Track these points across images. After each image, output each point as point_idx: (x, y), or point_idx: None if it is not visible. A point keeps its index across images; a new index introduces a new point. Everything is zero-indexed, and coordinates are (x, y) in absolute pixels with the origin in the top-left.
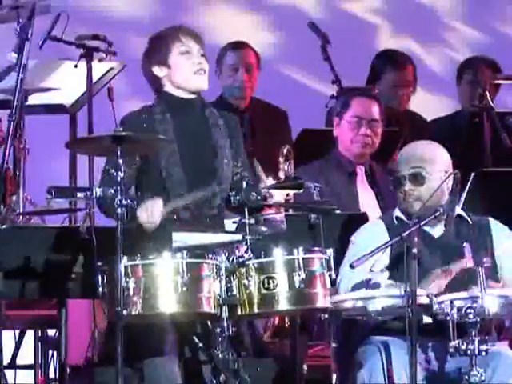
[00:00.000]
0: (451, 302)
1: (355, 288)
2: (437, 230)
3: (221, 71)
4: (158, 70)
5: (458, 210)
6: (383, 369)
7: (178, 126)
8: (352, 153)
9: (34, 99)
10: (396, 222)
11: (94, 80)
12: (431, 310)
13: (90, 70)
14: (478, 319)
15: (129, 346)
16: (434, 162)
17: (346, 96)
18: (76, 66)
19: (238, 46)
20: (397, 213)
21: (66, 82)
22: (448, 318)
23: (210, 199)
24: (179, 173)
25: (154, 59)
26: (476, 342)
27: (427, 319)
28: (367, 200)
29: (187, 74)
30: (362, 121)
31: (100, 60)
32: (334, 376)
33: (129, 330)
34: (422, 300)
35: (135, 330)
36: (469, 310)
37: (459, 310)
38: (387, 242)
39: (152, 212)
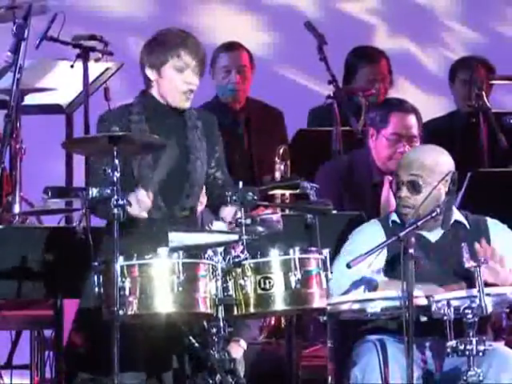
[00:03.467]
0: (448, 301)
1: (347, 287)
2: (434, 235)
3: (214, 72)
4: (149, 72)
5: (457, 216)
6: (380, 367)
7: (153, 127)
8: (387, 168)
9: (30, 99)
10: (392, 225)
11: (91, 80)
12: (430, 311)
13: (86, 70)
14: (476, 319)
15: (99, 355)
16: (434, 171)
17: (385, 110)
18: (72, 66)
19: (231, 48)
20: (393, 217)
21: (62, 82)
22: (445, 317)
23: (182, 200)
24: (150, 174)
25: (149, 61)
26: (474, 342)
27: (423, 317)
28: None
29: (175, 90)
30: (401, 139)
31: (96, 60)
32: (330, 376)
33: (99, 340)
34: (420, 301)
35: (106, 340)
36: (467, 311)
37: (456, 309)
38: (384, 242)
39: (140, 200)
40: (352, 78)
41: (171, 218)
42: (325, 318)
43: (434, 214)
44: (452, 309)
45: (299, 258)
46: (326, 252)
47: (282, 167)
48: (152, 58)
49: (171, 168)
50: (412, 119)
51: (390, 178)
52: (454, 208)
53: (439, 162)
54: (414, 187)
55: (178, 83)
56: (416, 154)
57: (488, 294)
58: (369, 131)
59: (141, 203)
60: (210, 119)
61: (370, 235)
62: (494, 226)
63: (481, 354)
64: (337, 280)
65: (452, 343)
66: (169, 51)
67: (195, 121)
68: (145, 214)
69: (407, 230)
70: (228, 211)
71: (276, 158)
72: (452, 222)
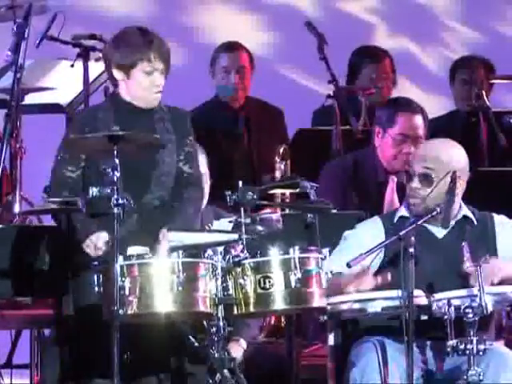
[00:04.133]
0: (449, 300)
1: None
2: (441, 231)
3: (214, 72)
4: (116, 73)
5: (464, 211)
6: (379, 367)
7: (119, 122)
8: (392, 167)
9: (30, 99)
10: (397, 221)
11: (91, 80)
12: (430, 310)
13: (86, 69)
14: (476, 318)
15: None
16: (448, 167)
17: (393, 109)
18: (72, 66)
19: (231, 48)
20: (402, 212)
21: (62, 82)
22: (446, 316)
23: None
24: (94, 174)
25: (116, 62)
26: (474, 342)
27: (424, 316)
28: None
29: (143, 92)
30: (407, 139)
31: (96, 59)
32: (330, 376)
33: (77, 345)
34: (421, 301)
35: (85, 346)
36: (467, 310)
37: (457, 308)
38: (384, 241)
39: (97, 246)
40: (355, 77)
41: (139, 207)
42: (325, 318)
43: (434, 213)
44: (453, 308)
45: (299, 258)
46: (325, 251)
47: (282, 166)
48: (119, 59)
49: (136, 165)
50: (419, 120)
51: (395, 178)
52: (462, 203)
53: (454, 156)
54: (427, 179)
55: (147, 85)
56: (432, 147)
57: (488, 293)
58: (375, 130)
59: (96, 250)
60: (180, 113)
61: (367, 231)
62: (501, 222)
63: (481, 353)
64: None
65: (452, 342)
66: (138, 55)
67: (163, 115)
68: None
69: (407, 230)
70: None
71: (276, 158)
72: (460, 217)
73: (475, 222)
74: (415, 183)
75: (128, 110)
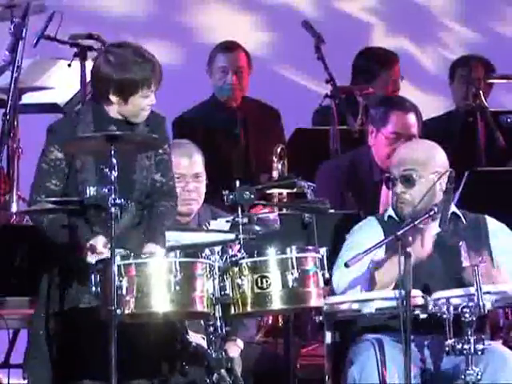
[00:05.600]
0: (447, 300)
1: (350, 286)
2: (434, 229)
3: (211, 72)
4: (114, 98)
5: (453, 208)
6: (377, 366)
7: (98, 125)
8: (387, 166)
9: (27, 98)
10: (388, 220)
11: (88, 79)
12: (427, 309)
13: (83, 69)
14: (474, 318)
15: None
16: (427, 164)
17: (385, 108)
18: (70, 65)
19: (229, 49)
20: (390, 212)
21: (59, 81)
22: (445, 316)
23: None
24: (92, 174)
25: (115, 88)
26: (472, 341)
27: (423, 315)
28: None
29: (136, 112)
30: (400, 137)
31: (94, 59)
32: (327, 375)
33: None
34: (418, 301)
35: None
36: (465, 309)
37: (455, 308)
38: (381, 241)
39: (98, 251)
40: (371, 82)
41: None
42: (320, 318)
43: (431, 213)
44: (451, 308)
45: (296, 257)
46: (323, 251)
47: (280, 166)
48: (120, 86)
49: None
50: (412, 118)
51: None
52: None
53: (432, 154)
54: (409, 181)
55: (143, 106)
56: (407, 150)
57: (488, 292)
58: (368, 129)
59: (97, 253)
60: (156, 120)
61: (369, 232)
62: (493, 223)
63: (479, 353)
64: (344, 276)
65: (450, 342)
66: (140, 83)
67: (143, 127)
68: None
69: (404, 229)
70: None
71: (273, 157)
72: (449, 215)
73: (464, 221)
74: (399, 188)
75: (109, 121)
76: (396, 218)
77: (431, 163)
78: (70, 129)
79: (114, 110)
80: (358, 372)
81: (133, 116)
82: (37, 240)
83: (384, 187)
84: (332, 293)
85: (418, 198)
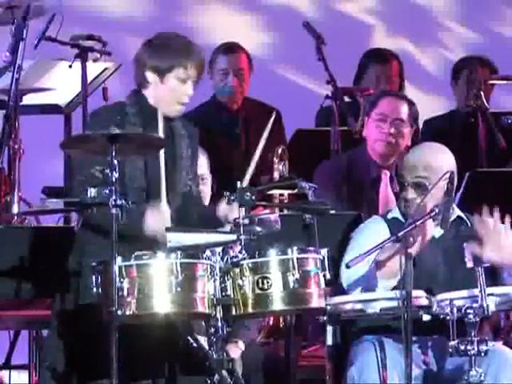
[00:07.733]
0: (451, 301)
1: (358, 283)
2: (438, 231)
3: (212, 73)
4: (150, 76)
5: (458, 212)
6: (377, 367)
7: (145, 124)
8: (376, 153)
9: (28, 99)
10: (392, 221)
11: (89, 80)
12: (431, 310)
13: (84, 70)
14: (478, 319)
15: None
16: (440, 172)
17: (376, 96)
18: (71, 67)
19: (230, 50)
20: (395, 214)
21: (60, 82)
22: (448, 317)
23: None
24: (141, 180)
25: (152, 63)
26: (475, 343)
27: (426, 317)
28: (388, 208)
29: (171, 98)
30: (386, 118)
31: (95, 60)
32: (328, 376)
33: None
34: (421, 301)
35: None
36: (468, 310)
37: (459, 309)
38: (383, 242)
39: (162, 219)
40: (361, 77)
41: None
42: (325, 318)
43: (432, 214)
44: (455, 309)
45: (297, 258)
46: (324, 252)
47: (281, 167)
48: (156, 61)
49: (159, 175)
50: (402, 105)
51: (388, 173)
52: (455, 205)
53: (444, 161)
54: (420, 188)
55: (178, 94)
56: (420, 155)
57: (491, 294)
58: (364, 121)
59: (162, 218)
60: (193, 132)
61: (375, 231)
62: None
63: (483, 354)
64: (350, 277)
65: (453, 343)
66: (176, 60)
67: (180, 129)
68: (163, 232)
69: (406, 230)
70: (223, 209)
71: (274, 158)
72: (454, 218)
73: (469, 223)
74: (410, 194)
75: (153, 117)
76: (403, 220)
77: (443, 170)
78: (114, 115)
79: (150, 94)
80: (358, 372)
81: (165, 104)
82: (37, 241)
83: (382, 184)
84: (335, 293)
85: (429, 204)
